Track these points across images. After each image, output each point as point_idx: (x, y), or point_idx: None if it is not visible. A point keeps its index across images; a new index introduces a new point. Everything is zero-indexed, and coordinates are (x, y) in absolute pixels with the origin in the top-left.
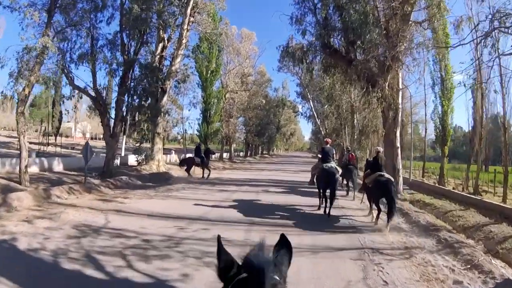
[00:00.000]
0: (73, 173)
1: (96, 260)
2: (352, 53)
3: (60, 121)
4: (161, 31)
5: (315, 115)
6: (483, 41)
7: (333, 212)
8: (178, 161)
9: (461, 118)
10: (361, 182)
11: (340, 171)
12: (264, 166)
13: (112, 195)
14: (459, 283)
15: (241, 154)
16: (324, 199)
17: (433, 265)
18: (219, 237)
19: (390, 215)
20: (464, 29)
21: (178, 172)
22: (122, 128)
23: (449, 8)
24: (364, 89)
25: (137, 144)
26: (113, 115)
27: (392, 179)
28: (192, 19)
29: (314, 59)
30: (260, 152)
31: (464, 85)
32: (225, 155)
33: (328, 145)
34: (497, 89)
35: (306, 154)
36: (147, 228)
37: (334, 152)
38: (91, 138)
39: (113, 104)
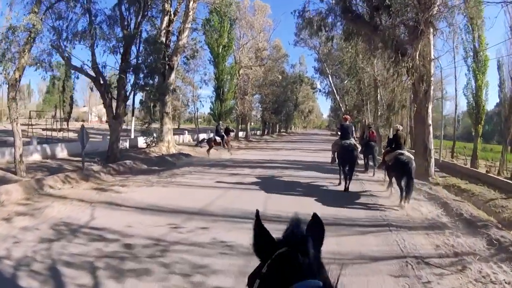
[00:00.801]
0: (77, 159)
1: (59, 275)
2: (377, 17)
3: (71, 106)
4: (166, 3)
5: (335, 91)
6: None
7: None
8: (192, 141)
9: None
10: (381, 159)
11: (360, 147)
12: (281, 145)
13: (110, 182)
14: None
15: (258, 132)
16: (344, 175)
17: (493, 282)
18: (257, 212)
19: (408, 194)
20: None
21: (189, 153)
22: (130, 109)
23: None
24: (393, 59)
25: (145, 125)
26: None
27: (412, 158)
28: None
29: (334, 26)
30: (277, 130)
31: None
32: (241, 134)
33: (347, 122)
34: None
35: (325, 132)
36: (134, 227)
37: (353, 129)
38: (107, 122)
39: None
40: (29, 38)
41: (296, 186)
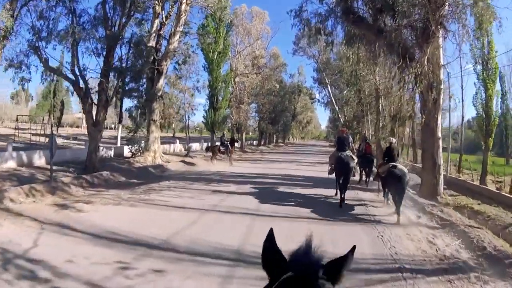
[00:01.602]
0: (56, 168)
1: None
2: (381, 20)
3: (61, 111)
4: (156, 6)
5: (334, 101)
6: None
7: None
8: (183, 150)
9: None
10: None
11: (356, 159)
12: (276, 157)
13: (77, 197)
14: None
15: (255, 142)
16: (341, 186)
17: None
18: (271, 230)
19: (398, 204)
20: None
21: (175, 165)
22: (119, 116)
23: None
24: (399, 63)
25: (131, 133)
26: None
27: (406, 171)
28: None
29: (334, 30)
30: (275, 140)
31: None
32: (237, 144)
33: (344, 134)
34: None
35: (323, 143)
36: (76, 263)
37: (351, 140)
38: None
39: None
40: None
41: (288, 209)
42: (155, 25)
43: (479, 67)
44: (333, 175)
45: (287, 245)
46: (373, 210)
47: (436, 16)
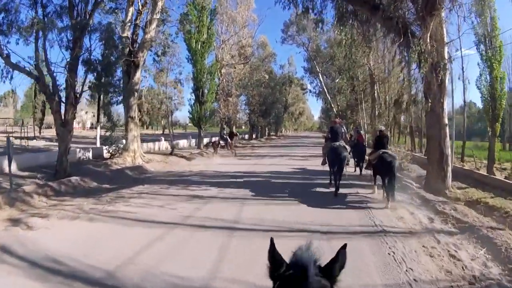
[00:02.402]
0: (26, 174)
1: None
2: None
3: (43, 112)
4: None
5: (326, 90)
6: None
7: None
8: (169, 148)
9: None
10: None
11: (349, 149)
12: (267, 151)
13: (36, 210)
14: None
15: (246, 136)
16: (335, 176)
17: None
18: (272, 240)
19: (391, 192)
20: None
21: (156, 165)
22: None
23: None
24: (400, 40)
25: (107, 132)
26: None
27: (395, 156)
28: None
29: (323, 8)
30: (267, 133)
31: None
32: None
33: (337, 125)
34: None
35: (316, 134)
36: None
37: (344, 131)
38: (91, 128)
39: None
40: None
41: (275, 220)
42: (129, 14)
43: (482, 46)
44: (327, 167)
45: None
46: (377, 214)
47: None
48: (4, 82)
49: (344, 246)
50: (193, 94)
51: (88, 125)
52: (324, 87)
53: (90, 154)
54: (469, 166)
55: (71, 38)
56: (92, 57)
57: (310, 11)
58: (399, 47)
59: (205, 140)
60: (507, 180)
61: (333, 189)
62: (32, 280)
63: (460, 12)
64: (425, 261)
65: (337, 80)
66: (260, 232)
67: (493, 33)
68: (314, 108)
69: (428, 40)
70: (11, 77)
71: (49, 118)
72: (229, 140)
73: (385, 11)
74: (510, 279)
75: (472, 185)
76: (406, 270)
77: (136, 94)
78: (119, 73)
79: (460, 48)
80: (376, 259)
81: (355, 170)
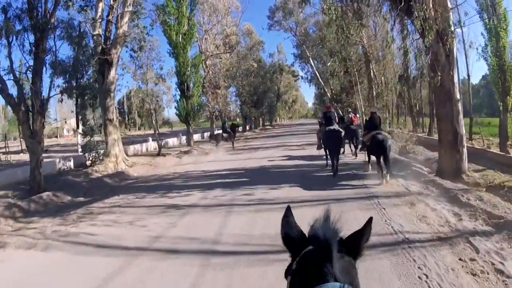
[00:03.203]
0: (2, 192)
1: None
2: None
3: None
4: None
5: (318, 75)
6: None
7: None
8: (157, 148)
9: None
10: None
11: (343, 132)
12: (261, 143)
13: None
14: None
15: (240, 129)
16: (332, 159)
17: None
18: (288, 207)
19: (388, 170)
20: None
21: (140, 169)
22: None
23: None
24: (401, 5)
25: (85, 138)
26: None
27: (388, 136)
28: None
29: None
30: (261, 124)
31: None
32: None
33: (330, 109)
34: None
35: (311, 121)
36: None
37: (336, 115)
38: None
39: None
40: None
41: (265, 236)
42: (99, 10)
43: (485, 15)
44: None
45: None
46: (394, 215)
47: None
48: None
49: (370, 219)
50: (177, 89)
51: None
52: (316, 72)
53: (71, 164)
54: (478, 144)
55: (33, 41)
56: (59, 59)
57: None
58: (399, 15)
59: (196, 137)
60: None
61: (330, 173)
62: None
63: None
64: (467, 284)
65: (328, 64)
66: (244, 256)
67: None
68: (307, 94)
69: (431, 5)
70: None
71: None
72: (231, 133)
73: None
74: None
75: (488, 166)
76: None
77: (112, 94)
78: (92, 73)
79: (459, 15)
80: (402, 283)
81: (344, 152)
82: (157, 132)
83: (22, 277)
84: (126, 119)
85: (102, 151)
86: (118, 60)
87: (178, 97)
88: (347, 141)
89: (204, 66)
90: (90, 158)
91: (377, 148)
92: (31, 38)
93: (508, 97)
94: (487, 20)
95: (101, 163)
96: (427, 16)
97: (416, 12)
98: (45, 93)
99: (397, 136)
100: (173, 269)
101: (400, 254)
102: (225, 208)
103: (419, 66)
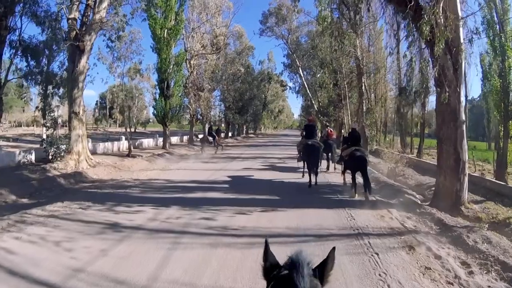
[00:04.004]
0: None
1: None
2: None
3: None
4: None
5: (306, 86)
6: None
7: None
8: (133, 148)
9: None
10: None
11: (322, 146)
12: (240, 152)
13: None
14: None
15: (222, 135)
16: (309, 171)
17: None
18: (266, 240)
19: (367, 188)
20: None
21: (102, 170)
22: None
23: None
24: (410, 5)
25: (47, 131)
26: None
27: (366, 153)
28: None
29: None
30: (245, 131)
31: None
32: (223, 134)
33: (311, 123)
34: None
35: (296, 132)
36: None
37: (317, 129)
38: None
39: None
40: None
41: (224, 276)
42: None
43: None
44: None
45: None
46: (389, 266)
47: None
48: None
49: (333, 249)
50: (157, 87)
51: (60, 122)
52: (305, 83)
53: (32, 157)
54: (469, 170)
55: None
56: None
57: None
58: (406, 18)
59: (174, 139)
60: None
61: (306, 181)
62: None
63: None
64: None
65: (318, 75)
66: None
67: (505, 16)
68: (294, 106)
69: (441, 12)
70: None
71: (21, 116)
72: (216, 137)
73: None
74: None
75: (488, 197)
76: None
77: (81, 85)
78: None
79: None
80: None
81: (327, 168)
82: (129, 131)
83: None
84: (107, 114)
85: (64, 147)
86: (91, 48)
87: (157, 95)
88: (324, 154)
89: (188, 66)
90: (51, 154)
91: (355, 163)
92: None
93: (510, 121)
94: (491, 38)
95: (62, 160)
96: (438, 21)
97: (426, 16)
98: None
99: (387, 157)
100: None
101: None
102: (174, 236)
103: (424, 79)
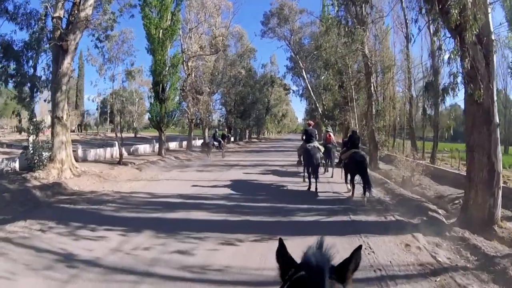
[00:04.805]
0: None
1: None
2: None
3: None
4: None
5: (310, 89)
6: None
7: None
8: (126, 155)
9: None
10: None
11: (323, 149)
12: (240, 159)
13: None
14: None
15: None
16: (309, 176)
17: None
18: (281, 240)
19: (367, 189)
20: None
21: (85, 181)
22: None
23: None
24: None
25: (30, 137)
26: None
27: (366, 156)
28: None
29: None
30: (248, 136)
31: None
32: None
33: (311, 127)
34: None
35: (299, 137)
36: None
37: (316, 133)
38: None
39: None
40: None
41: None
42: None
43: None
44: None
45: None
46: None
47: None
48: None
49: (360, 247)
50: (151, 90)
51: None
52: (309, 86)
53: (16, 165)
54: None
55: None
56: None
57: None
58: (427, 2)
59: (172, 145)
60: None
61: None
62: None
63: None
64: None
65: (323, 77)
66: None
67: None
68: (298, 110)
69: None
70: None
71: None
72: (222, 142)
73: None
74: None
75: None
76: None
77: (64, 88)
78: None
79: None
80: None
81: (325, 171)
82: (119, 137)
83: None
84: (108, 119)
85: (46, 154)
86: (75, 48)
87: (152, 99)
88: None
89: (186, 68)
90: (32, 162)
91: (355, 166)
92: None
93: None
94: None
95: (44, 169)
96: (467, 3)
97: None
98: None
99: (401, 164)
100: None
101: None
102: (133, 281)
103: (451, 73)
